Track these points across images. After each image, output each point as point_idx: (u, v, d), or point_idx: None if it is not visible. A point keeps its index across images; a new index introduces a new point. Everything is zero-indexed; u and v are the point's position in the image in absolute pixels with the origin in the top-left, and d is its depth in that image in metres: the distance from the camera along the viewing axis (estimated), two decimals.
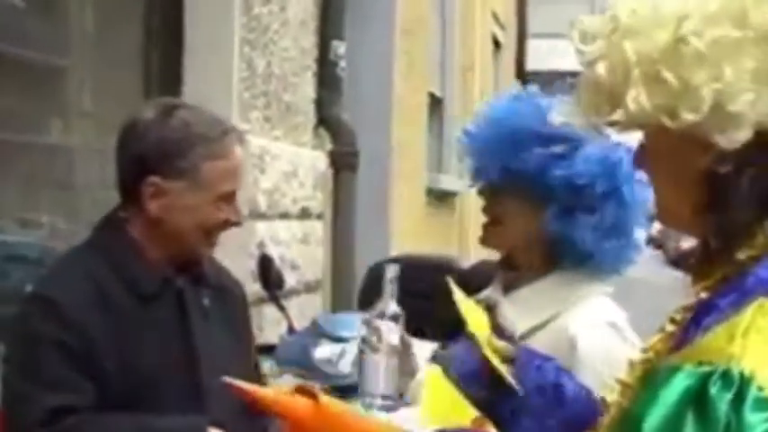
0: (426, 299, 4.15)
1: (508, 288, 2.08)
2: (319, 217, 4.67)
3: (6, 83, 3.32)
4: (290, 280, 3.96)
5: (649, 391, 1.14)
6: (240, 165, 2.13)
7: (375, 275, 4.40)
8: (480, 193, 2.15)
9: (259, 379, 2.36)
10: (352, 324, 2.79)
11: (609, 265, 2.07)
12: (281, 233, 4.11)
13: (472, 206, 9.91)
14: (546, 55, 15.00)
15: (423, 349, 2.32)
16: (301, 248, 4.36)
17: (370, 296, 4.17)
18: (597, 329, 1.97)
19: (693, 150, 1.19)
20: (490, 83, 11.62)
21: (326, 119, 5.01)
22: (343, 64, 5.05)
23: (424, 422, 1.59)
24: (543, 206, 2.02)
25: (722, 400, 1.06)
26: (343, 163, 5.16)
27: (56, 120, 3.69)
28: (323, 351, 2.90)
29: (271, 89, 4.18)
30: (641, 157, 1.29)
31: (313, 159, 4.63)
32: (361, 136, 5.32)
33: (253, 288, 2.49)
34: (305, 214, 4.43)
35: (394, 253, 5.90)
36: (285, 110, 4.37)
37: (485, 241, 2.12)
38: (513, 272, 2.10)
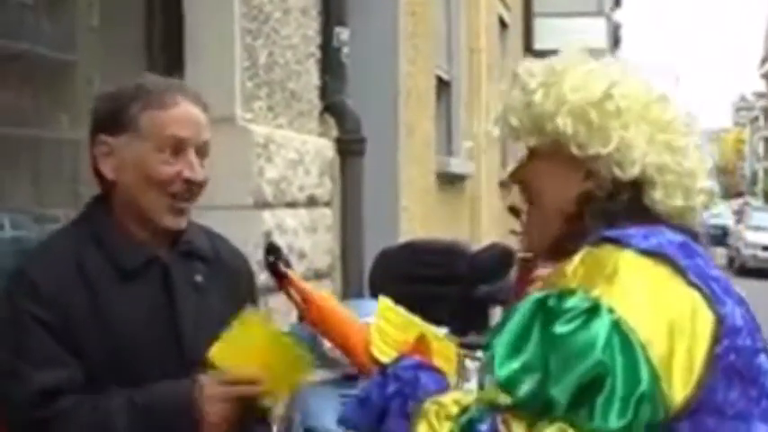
0: (437, 283, 4.17)
1: None
2: (327, 204, 4.67)
3: (16, 78, 3.35)
4: (299, 268, 3.97)
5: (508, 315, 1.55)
6: (185, 115, 2.06)
7: (385, 261, 4.41)
8: None
9: None
10: (364, 310, 2.79)
11: None
12: (288, 222, 4.12)
13: (482, 189, 9.89)
14: (552, 34, 14.95)
15: None
16: (309, 236, 4.36)
17: (380, 282, 4.20)
18: None
19: (577, 176, 1.64)
20: (497, 64, 11.58)
21: (331, 105, 5.00)
22: (346, 50, 5.04)
23: (376, 348, 1.88)
24: None
25: (560, 307, 1.48)
26: (349, 149, 5.15)
27: (65, 114, 3.71)
28: None
29: (274, 78, 4.18)
30: (530, 187, 1.70)
31: (319, 146, 4.63)
32: (368, 121, 5.30)
33: (260, 277, 2.48)
34: (312, 202, 4.44)
35: (404, 238, 5.90)
36: (290, 98, 4.37)
37: None
38: None
